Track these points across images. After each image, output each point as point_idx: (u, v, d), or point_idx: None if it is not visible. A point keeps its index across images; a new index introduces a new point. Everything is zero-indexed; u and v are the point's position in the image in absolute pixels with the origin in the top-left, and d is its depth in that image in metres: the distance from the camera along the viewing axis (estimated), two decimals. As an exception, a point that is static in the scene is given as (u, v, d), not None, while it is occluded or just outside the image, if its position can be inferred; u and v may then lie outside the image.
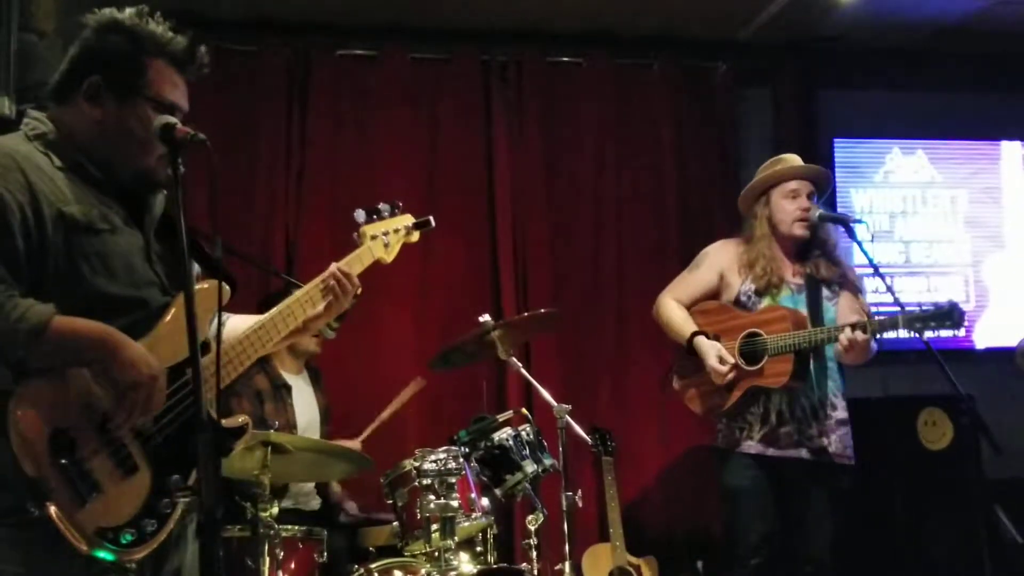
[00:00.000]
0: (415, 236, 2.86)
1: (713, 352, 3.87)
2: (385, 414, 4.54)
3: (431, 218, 2.89)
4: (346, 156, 5.23)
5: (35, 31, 3.83)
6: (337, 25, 5.33)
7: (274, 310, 2.46)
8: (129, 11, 2.20)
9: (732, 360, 3.84)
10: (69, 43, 2.24)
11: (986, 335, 5.78)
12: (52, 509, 1.91)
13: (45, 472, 1.93)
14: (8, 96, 3.66)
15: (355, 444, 4.36)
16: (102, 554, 1.96)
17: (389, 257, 2.79)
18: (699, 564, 4.95)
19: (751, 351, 3.84)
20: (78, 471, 1.97)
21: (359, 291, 2.91)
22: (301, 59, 5.26)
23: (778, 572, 3.88)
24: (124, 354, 2.02)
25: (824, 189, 4.09)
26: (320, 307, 2.54)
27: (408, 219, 2.85)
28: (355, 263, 2.65)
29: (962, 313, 3.63)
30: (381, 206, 2.81)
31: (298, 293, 2.51)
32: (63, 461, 1.95)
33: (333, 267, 2.57)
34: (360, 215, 2.76)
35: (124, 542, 2.00)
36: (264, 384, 4.32)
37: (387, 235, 2.77)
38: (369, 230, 2.75)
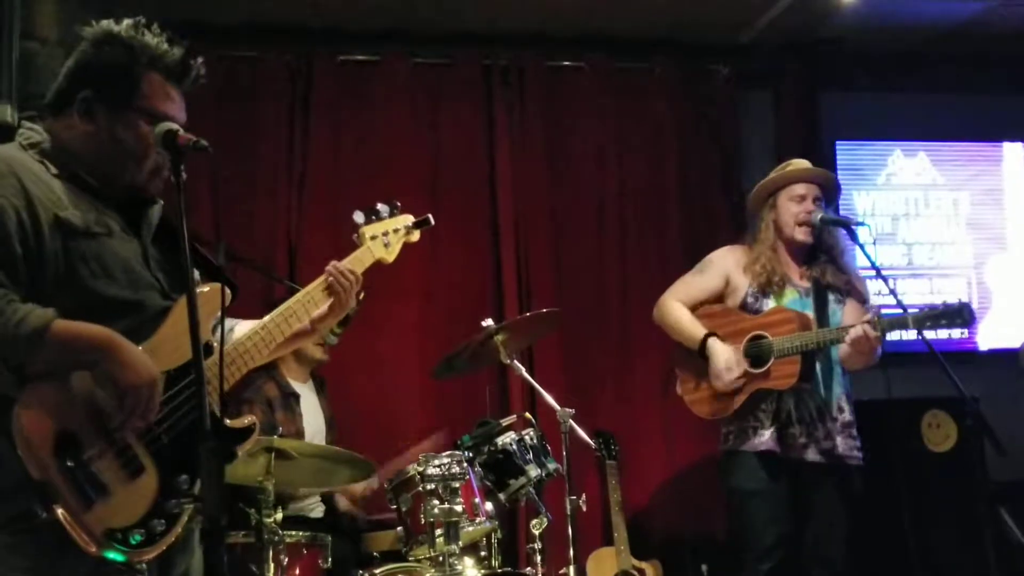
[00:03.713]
0: (415, 235, 2.88)
1: (723, 357, 3.86)
2: (403, 459, 4.50)
3: (430, 216, 2.92)
4: (348, 161, 5.23)
5: (37, 39, 3.83)
6: (338, 30, 5.33)
7: (276, 311, 2.49)
8: (126, 22, 2.20)
9: (739, 370, 3.83)
10: (71, 51, 2.24)
11: (989, 337, 5.77)
12: (59, 512, 1.92)
13: (51, 475, 1.93)
14: (10, 104, 3.66)
15: (373, 483, 4.35)
16: (112, 555, 1.97)
17: (390, 257, 2.81)
18: (704, 568, 4.94)
19: (756, 354, 3.84)
20: (84, 473, 1.97)
21: (362, 295, 2.93)
22: (303, 64, 5.27)
23: (790, 574, 3.86)
24: (123, 356, 2.02)
25: (832, 194, 4.09)
26: (324, 307, 2.58)
27: (408, 219, 2.88)
28: (355, 264, 2.67)
29: (972, 312, 3.65)
30: (380, 207, 2.84)
31: (299, 295, 2.55)
32: (69, 464, 1.95)
33: (332, 265, 2.61)
34: (359, 216, 2.79)
35: (134, 542, 2.00)
36: (274, 392, 4.32)
37: (387, 235, 2.80)
38: (368, 231, 2.78)
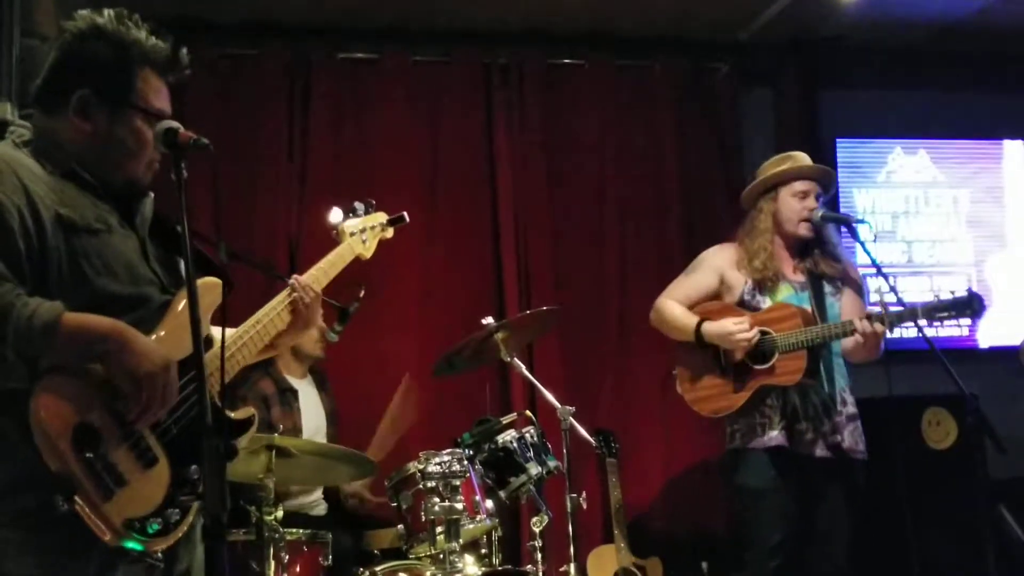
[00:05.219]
0: (389, 232, 2.98)
1: (726, 320, 3.84)
2: (386, 423, 4.52)
3: (405, 214, 3.02)
4: (348, 159, 5.23)
5: (37, 36, 3.83)
6: (338, 28, 5.33)
7: (247, 323, 2.44)
8: (108, 14, 2.18)
9: (747, 324, 3.80)
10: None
11: (990, 334, 5.77)
12: (80, 503, 1.92)
13: (70, 467, 1.93)
14: (11, 101, 3.66)
15: (365, 494, 4.38)
16: (131, 544, 1.98)
17: (368, 253, 2.89)
18: (704, 565, 4.94)
19: (760, 350, 3.83)
20: (103, 464, 1.97)
21: (362, 293, 2.95)
22: (302, 62, 5.27)
23: (794, 572, 3.85)
24: (136, 346, 2.02)
25: (829, 190, 4.10)
26: (284, 324, 2.52)
27: (382, 216, 2.97)
28: (337, 260, 2.73)
29: (983, 301, 3.64)
30: (356, 204, 2.92)
31: (265, 309, 2.49)
32: (88, 455, 1.95)
33: (294, 279, 2.55)
34: (337, 214, 2.88)
35: (151, 531, 2.01)
36: (270, 388, 4.33)
37: (364, 232, 2.88)
38: (347, 227, 2.86)
